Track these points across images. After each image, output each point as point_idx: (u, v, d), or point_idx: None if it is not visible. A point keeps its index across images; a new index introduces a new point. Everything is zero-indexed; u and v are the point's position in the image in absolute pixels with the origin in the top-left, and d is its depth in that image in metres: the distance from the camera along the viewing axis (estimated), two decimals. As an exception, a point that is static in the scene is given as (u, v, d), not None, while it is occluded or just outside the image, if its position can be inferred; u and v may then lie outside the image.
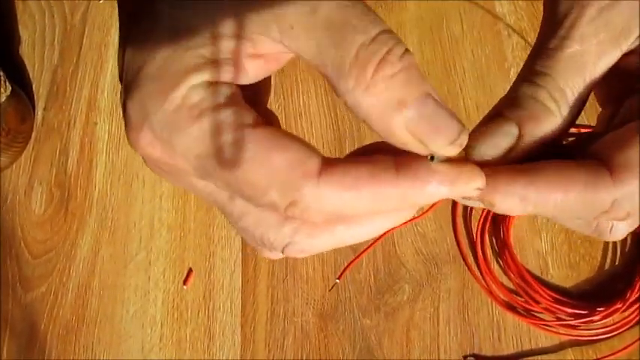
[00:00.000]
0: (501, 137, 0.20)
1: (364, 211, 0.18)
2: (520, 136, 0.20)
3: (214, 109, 0.17)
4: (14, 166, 0.58)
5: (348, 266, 0.53)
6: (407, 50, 0.17)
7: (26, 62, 0.62)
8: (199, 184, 0.20)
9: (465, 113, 0.59)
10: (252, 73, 0.19)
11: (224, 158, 0.17)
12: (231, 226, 0.19)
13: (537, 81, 0.21)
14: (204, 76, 0.18)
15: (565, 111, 0.20)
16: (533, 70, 0.21)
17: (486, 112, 0.22)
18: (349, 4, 0.17)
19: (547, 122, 0.20)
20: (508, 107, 0.21)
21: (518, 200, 0.19)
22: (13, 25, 0.64)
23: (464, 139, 0.18)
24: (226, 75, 0.18)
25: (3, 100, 0.53)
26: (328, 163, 0.17)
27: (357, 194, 0.17)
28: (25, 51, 0.63)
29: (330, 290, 0.52)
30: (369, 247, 0.54)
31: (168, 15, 0.18)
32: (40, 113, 0.60)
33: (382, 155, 0.18)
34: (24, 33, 0.63)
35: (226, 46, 0.18)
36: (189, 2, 0.18)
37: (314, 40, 0.17)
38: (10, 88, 0.54)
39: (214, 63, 0.18)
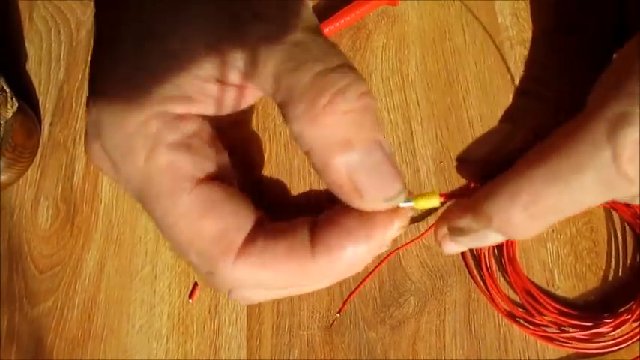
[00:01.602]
0: (492, 134, 0.19)
1: (283, 285, 0.17)
2: (513, 131, 0.18)
3: (168, 147, 0.16)
4: (20, 181, 0.58)
5: (349, 297, 0.53)
6: (368, 91, 0.16)
7: (33, 78, 0.63)
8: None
9: (469, 124, 0.59)
10: (225, 106, 0.18)
11: (159, 203, 0.16)
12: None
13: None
14: (173, 108, 0.17)
15: (551, 94, 0.19)
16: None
17: (490, 123, 0.21)
18: (313, 37, 0.16)
19: (535, 110, 0.19)
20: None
21: (509, 201, 0.16)
22: (20, 41, 0.64)
23: (400, 200, 0.17)
24: (196, 107, 0.17)
25: (10, 116, 0.54)
26: (251, 239, 0.16)
27: (274, 273, 0.17)
28: (32, 67, 0.63)
29: (330, 326, 0.52)
30: (371, 273, 0.53)
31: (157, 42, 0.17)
32: (46, 129, 0.61)
33: (300, 224, 0.17)
34: (30, 49, 0.64)
35: (203, 77, 0.17)
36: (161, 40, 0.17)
37: (273, 64, 0.16)
38: (17, 104, 0.55)
39: (186, 98, 0.17)
